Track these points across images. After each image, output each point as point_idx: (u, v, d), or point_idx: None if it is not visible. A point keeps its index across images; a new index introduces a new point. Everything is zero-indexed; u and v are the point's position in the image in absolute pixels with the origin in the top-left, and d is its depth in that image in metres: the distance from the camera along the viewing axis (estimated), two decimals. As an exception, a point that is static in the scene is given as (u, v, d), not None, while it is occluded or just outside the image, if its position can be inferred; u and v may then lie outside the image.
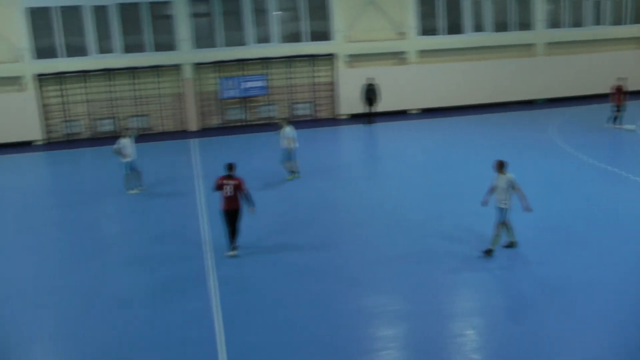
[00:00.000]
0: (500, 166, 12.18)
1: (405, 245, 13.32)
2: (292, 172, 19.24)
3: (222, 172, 13.00)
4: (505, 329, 9.75)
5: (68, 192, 20.42)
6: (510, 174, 12.05)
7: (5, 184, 22.21)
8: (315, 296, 11.16)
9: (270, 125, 29.08)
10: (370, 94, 27.82)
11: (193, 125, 30.22)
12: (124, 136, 18.53)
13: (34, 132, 29.37)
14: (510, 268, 12.05)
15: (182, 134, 29.78)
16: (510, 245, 12.68)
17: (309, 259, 12.90)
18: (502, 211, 12.17)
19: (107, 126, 29.80)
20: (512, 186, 12.04)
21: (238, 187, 12.72)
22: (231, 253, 13.07)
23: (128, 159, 18.47)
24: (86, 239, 15.37)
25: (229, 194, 12.70)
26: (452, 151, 22.34)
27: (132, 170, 18.66)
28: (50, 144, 29.28)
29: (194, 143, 27.34)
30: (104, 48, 29.26)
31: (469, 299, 10.90)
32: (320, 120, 30.74)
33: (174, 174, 21.70)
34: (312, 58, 30.09)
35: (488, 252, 12.36)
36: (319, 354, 9.21)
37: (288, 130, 19.01)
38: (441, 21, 31.32)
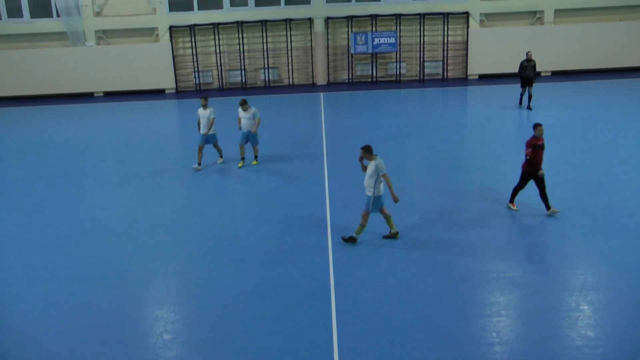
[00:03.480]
0: (366, 151, 10.92)
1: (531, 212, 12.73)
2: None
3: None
4: (622, 308, 9.06)
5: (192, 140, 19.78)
6: (378, 160, 10.84)
7: (138, 129, 23.03)
8: (431, 257, 10.87)
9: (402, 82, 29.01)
10: (528, 72, 22.27)
11: (321, 79, 30.29)
12: (204, 106, 16.51)
13: (166, 81, 30.20)
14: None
15: (311, 87, 29.90)
16: (391, 236, 11.52)
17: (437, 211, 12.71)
18: (367, 199, 11.05)
19: (237, 77, 30.14)
20: (378, 173, 10.83)
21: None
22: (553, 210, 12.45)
23: (201, 131, 16.59)
24: (200, 190, 15.55)
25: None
26: (587, 117, 21.16)
27: (204, 143, 16.65)
28: (182, 93, 29.97)
29: (321, 97, 27.37)
30: (237, 1, 29.47)
31: (588, 273, 10.14)
32: (450, 79, 30.20)
33: (301, 132, 21.88)
34: (445, 16, 29.53)
35: (348, 240, 11.34)
36: (431, 313, 8.99)
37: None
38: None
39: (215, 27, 29.52)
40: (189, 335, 8.75)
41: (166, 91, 30.44)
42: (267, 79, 30.18)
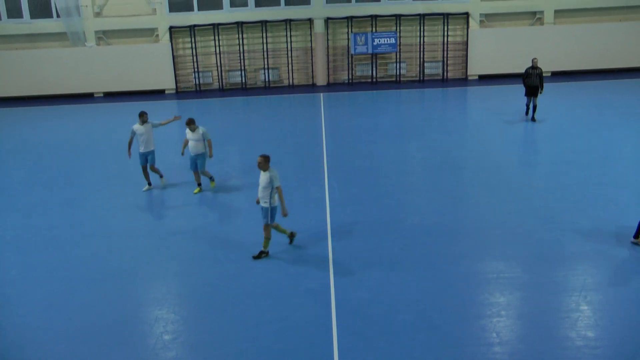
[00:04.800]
0: (265, 161, 10.63)
1: (526, 213, 12.72)
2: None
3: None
4: (622, 308, 9.04)
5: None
6: (272, 171, 10.62)
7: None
8: (431, 257, 10.88)
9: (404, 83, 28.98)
10: (532, 80, 20.28)
11: (321, 80, 30.28)
12: (144, 122, 14.90)
13: (166, 81, 30.17)
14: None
15: (311, 87, 29.89)
16: (290, 236, 11.54)
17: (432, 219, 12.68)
18: (264, 211, 10.80)
19: (236, 78, 30.15)
20: (272, 185, 10.60)
21: None
22: None
23: (141, 150, 15.00)
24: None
25: None
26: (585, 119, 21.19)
27: (147, 163, 15.22)
28: (182, 93, 29.91)
29: (321, 97, 27.35)
30: (237, 1, 29.47)
31: (588, 273, 10.13)
32: (450, 80, 30.18)
33: (300, 132, 21.84)
34: (445, 16, 29.53)
35: (259, 256, 11.12)
36: (431, 313, 9.00)
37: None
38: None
39: (215, 27, 29.53)
40: (189, 336, 8.75)
41: (166, 92, 30.45)
42: (267, 80, 30.18)
